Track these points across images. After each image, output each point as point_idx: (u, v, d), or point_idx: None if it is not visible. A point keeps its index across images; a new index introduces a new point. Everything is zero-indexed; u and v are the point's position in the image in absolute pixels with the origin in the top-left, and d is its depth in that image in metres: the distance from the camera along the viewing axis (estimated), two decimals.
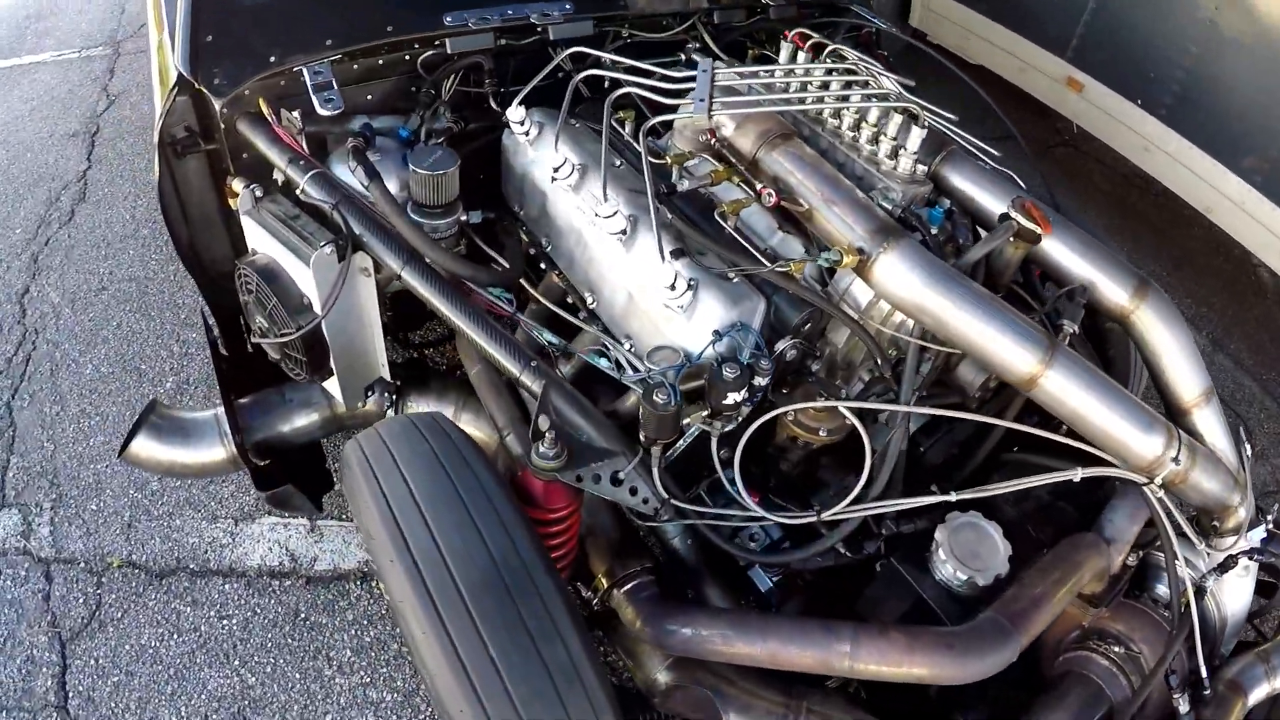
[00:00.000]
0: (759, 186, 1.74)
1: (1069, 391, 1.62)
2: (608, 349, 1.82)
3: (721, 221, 1.79)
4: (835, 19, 2.77)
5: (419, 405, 2.31)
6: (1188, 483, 1.73)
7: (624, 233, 1.80)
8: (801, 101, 1.91)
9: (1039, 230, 1.75)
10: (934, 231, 1.82)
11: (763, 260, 1.71)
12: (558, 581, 1.47)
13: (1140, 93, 3.67)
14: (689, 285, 1.68)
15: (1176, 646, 1.76)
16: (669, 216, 1.77)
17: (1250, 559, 1.99)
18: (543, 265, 2.19)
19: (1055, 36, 3.93)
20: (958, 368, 1.89)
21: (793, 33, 2.03)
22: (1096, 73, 3.81)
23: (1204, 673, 1.83)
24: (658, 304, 1.74)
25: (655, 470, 1.68)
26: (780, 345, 1.76)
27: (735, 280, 1.74)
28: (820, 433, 1.77)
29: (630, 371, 1.74)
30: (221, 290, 2.37)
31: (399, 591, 1.44)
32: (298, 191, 1.99)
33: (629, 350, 1.85)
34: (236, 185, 2.11)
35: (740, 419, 1.71)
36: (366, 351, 2.18)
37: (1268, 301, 4.17)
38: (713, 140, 1.87)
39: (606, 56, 2.08)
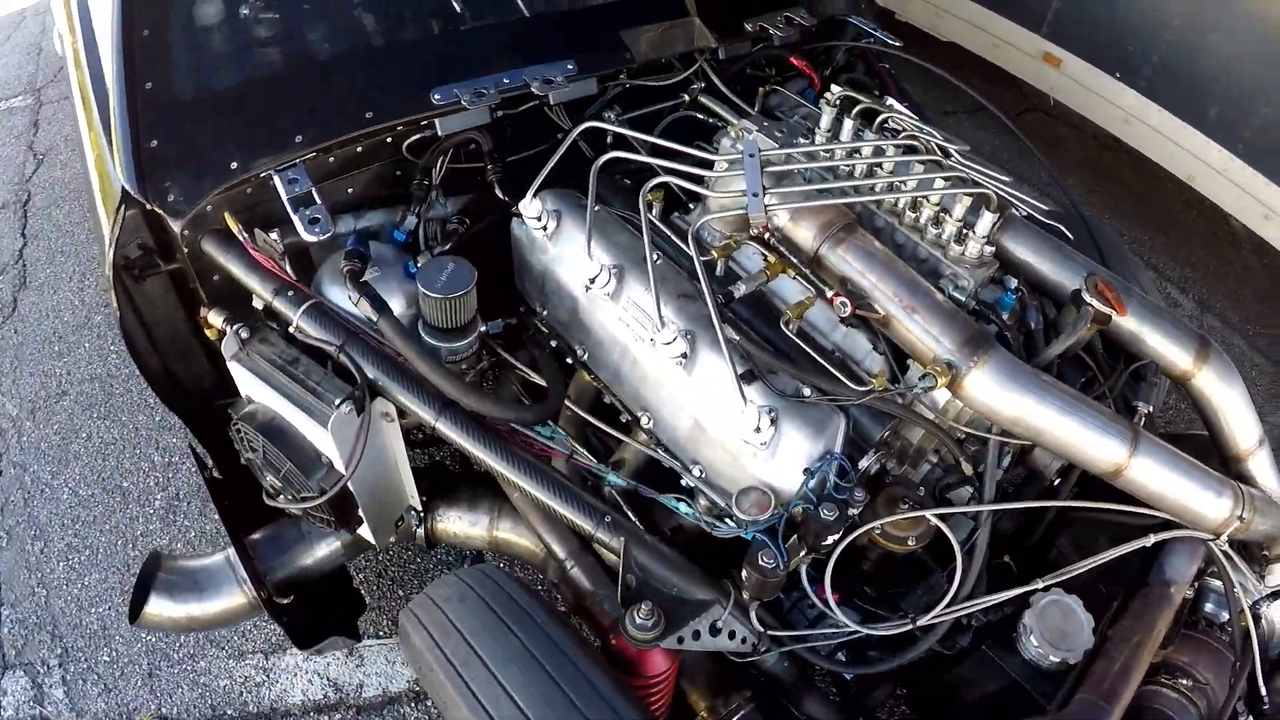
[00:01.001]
0: (830, 293, 1.61)
1: (1151, 476, 1.62)
2: (690, 496, 1.69)
3: (785, 329, 1.67)
4: (834, 42, 2.62)
5: (449, 517, 2.12)
6: (1249, 531, 1.75)
7: (684, 356, 1.65)
8: (863, 189, 1.77)
9: (1114, 313, 1.67)
10: (1005, 317, 1.73)
11: (844, 380, 1.58)
12: None
13: (1120, 66, 3.60)
14: (771, 420, 1.55)
15: (1243, 679, 1.78)
16: (734, 336, 1.63)
17: None
18: (569, 360, 2.02)
19: (1030, 12, 3.82)
20: (1033, 451, 1.84)
21: (835, 95, 1.87)
22: (1074, 47, 3.72)
23: (1263, 689, 1.86)
24: (733, 436, 1.60)
25: (752, 613, 1.58)
26: (865, 463, 1.65)
27: (811, 399, 1.62)
28: (909, 542, 1.67)
29: (723, 524, 1.60)
30: (204, 411, 2.14)
31: None
32: (291, 329, 1.75)
33: (700, 477, 1.73)
34: (214, 319, 1.86)
35: None
36: (393, 488, 1.99)
37: (1244, 253, 4.19)
38: (766, 233, 1.72)
39: (629, 134, 1.91)
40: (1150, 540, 1.71)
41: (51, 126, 4.68)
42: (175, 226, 1.79)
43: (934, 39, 4.32)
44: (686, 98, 2.29)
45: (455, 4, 2.27)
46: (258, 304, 1.85)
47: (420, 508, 2.07)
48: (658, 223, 1.88)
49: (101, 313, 3.56)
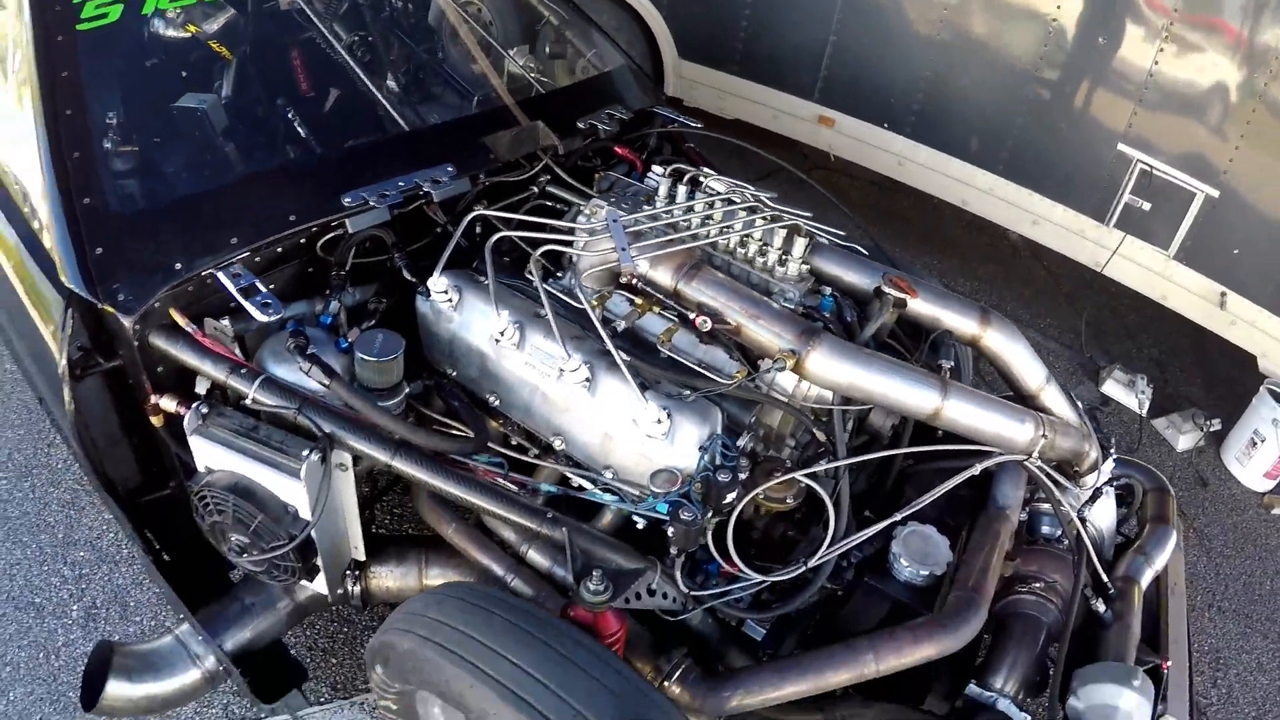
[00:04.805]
0: (691, 315, 2.27)
1: (963, 413, 2.29)
2: (616, 487, 2.28)
3: (661, 349, 2.31)
4: (650, 130, 3.38)
5: (380, 574, 2.57)
6: (1054, 449, 2.44)
7: (588, 380, 2.26)
8: (701, 235, 2.46)
9: (907, 297, 2.42)
10: (827, 316, 2.43)
11: (716, 379, 2.24)
12: (657, 691, 1.91)
13: (886, 117, 4.61)
14: (668, 415, 2.17)
15: (1082, 569, 2.41)
16: (624, 357, 2.24)
17: (1110, 486, 2.80)
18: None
19: (801, 83, 4.82)
20: (869, 417, 2.54)
21: (665, 170, 2.59)
22: (844, 107, 4.73)
23: (1105, 577, 2.54)
24: (639, 437, 2.21)
25: (678, 574, 2.16)
26: (741, 441, 2.29)
27: (692, 398, 2.25)
28: (787, 500, 2.30)
29: (645, 504, 2.19)
30: (135, 508, 2.53)
31: None
32: (246, 401, 2.19)
33: (612, 479, 2.32)
34: (166, 404, 2.28)
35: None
36: (343, 538, 2.44)
37: (1024, 259, 5.23)
38: (632, 280, 2.37)
39: (511, 217, 2.52)
40: (977, 468, 2.35)
41: None
42: (127, 323, 2.20)
43: (720, 118, 5.24)
44: (536, 189, 2.94)
45: (349, 124, 2.96)
46: (201, 388, 2.29)
47: (364, 557, 2.50)
48: (542, 284, 2.45)
49: None
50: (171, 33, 3.20)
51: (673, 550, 2.12)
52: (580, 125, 3.10)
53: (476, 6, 4.19)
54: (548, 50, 3.73)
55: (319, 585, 2.47)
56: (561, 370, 2.26)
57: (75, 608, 3.19)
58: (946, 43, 4.39)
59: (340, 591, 2.55)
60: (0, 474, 3.66)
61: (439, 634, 1.98)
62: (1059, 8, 4.06)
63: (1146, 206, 4.14)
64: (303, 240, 2.50)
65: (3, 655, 3.03)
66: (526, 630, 1.95)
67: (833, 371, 2.22)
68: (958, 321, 2.55)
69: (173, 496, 2.63)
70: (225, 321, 2.29)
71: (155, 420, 2.34)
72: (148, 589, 3.29)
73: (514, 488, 2.30)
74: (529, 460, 2.47)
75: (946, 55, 4.41)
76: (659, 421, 2.15)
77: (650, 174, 3.02)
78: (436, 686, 1.99)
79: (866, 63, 4.62)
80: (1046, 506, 2.63)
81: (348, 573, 2.54)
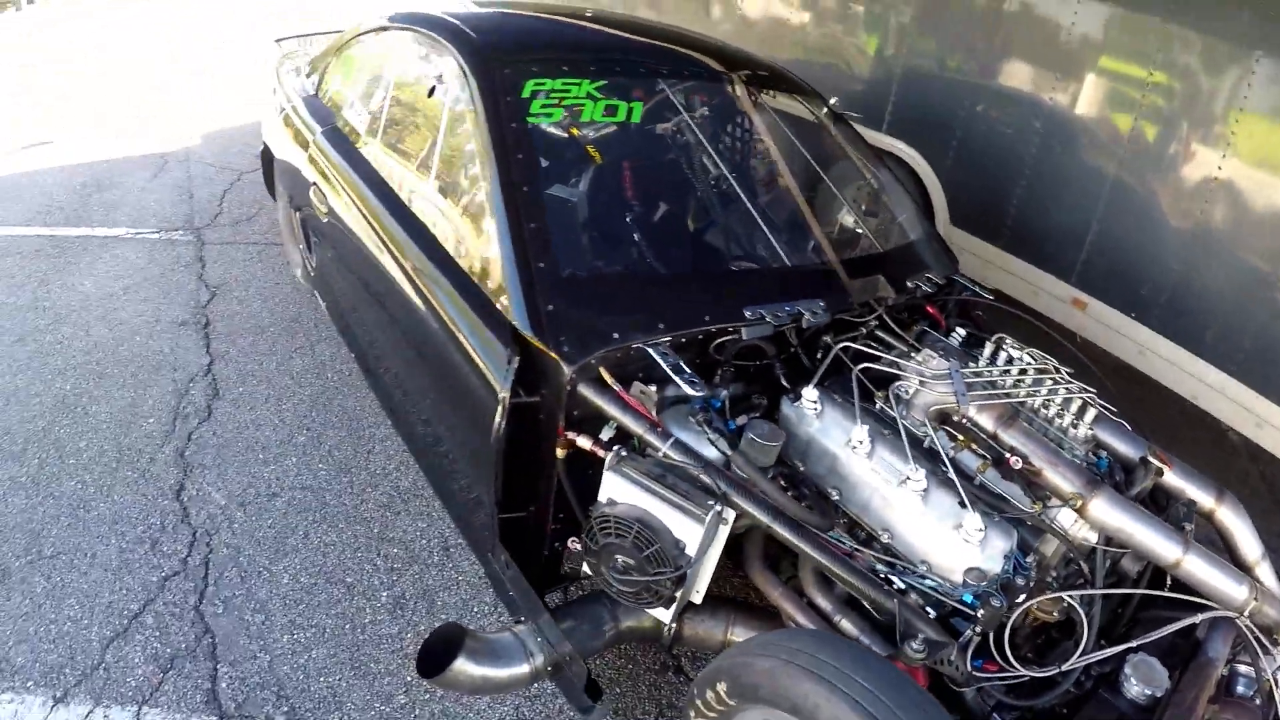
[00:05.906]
0: (1007, 456, 3.10)
1: (1197, 567, 3.02)
2: (931, 576, 3.09)
3: (978, 477, 3.14)
4: (950, 295, 4.25)
5: (696, 620, 3.16)
6: (1262, 613, 3.10)
7: (924, 490, 3.09)
8: (1019, 395, 3.29)
9: (1165, 468, 3.21)
10: (1103, 473, 3.23)
11: (1022, 508, 3.04)
12: None
13: (1134, 306, 5.26)
14: (983, 528, 2.98)
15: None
16: (956, 478, 3.06)
17: None
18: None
19: (1062, 264, 5.54)
20: (1121, 560, 3.29)
21: (993, 338, 3.45)
22: (1097, 293, 5.41)
23: None
24: (957, 540, 3.00)
25: (969, 652, 2.93)
26: (1029, 559, 3.08)
27: (999, 518, 3.06)
28: (1053, 614, 3.07)
29: (960, 589, 2.98)
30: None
31: None
32: (659, 455, 2.93)
33: (927, 569, 3.13)
34: (582, 441, 2.90)
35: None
36: (693, 583, 3.13)
37: (1243, 459, 5.81)
38: (962, 419, 3.22)
39: (874, 353, 3.38)
40: (1199, 617, 3.04)
41: (219, 266, 5.73)
42: (567, 370, 2.84)
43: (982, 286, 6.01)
44: (865, 330, 3.82)
45: (751, 253, 3.94)
46: (606, 434, 2.94)
47: (700, 601, 3.21)
48: (899, 413, 3.28)
49: (304, 433, 4.50)
50: (556, 131, 4.17)
51: (977, 629, 2.91)
52: (909, 284, 4.00)
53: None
54: (863, 207, 4.66)
55: (665, 614, 3.15)
56: (906, 479, 3.10)
57: (385, 594, 3.65)
58: (1199, 237, 4.92)
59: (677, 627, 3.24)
60: (321, 465, 4.32)
61: (798, 658, 2.66)
62: None
63: None
64: (701, 336, 3.33)
65: (310, 619, 3.49)
66: (868, 664, 2.72)
67: (1106, 516, 3.00)
68: (1199, 494, 3.35)
69: (524, 519, 3.25)
70: (653, 388, 3.07)
71: (560, 452, 2.97)
72: (455, 593, 3.83)
73: (862, 554, 3.14)
74: (854, 545, 3.30)
75: (1197, 250, 4.93)
76: (979, 530, 2.96)
77: (954, 332, 3.88)
78: (789, 700, 2.62)
79: (1124, 250, 5.25)
80: (1244, 670, 3.22)
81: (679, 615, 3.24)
